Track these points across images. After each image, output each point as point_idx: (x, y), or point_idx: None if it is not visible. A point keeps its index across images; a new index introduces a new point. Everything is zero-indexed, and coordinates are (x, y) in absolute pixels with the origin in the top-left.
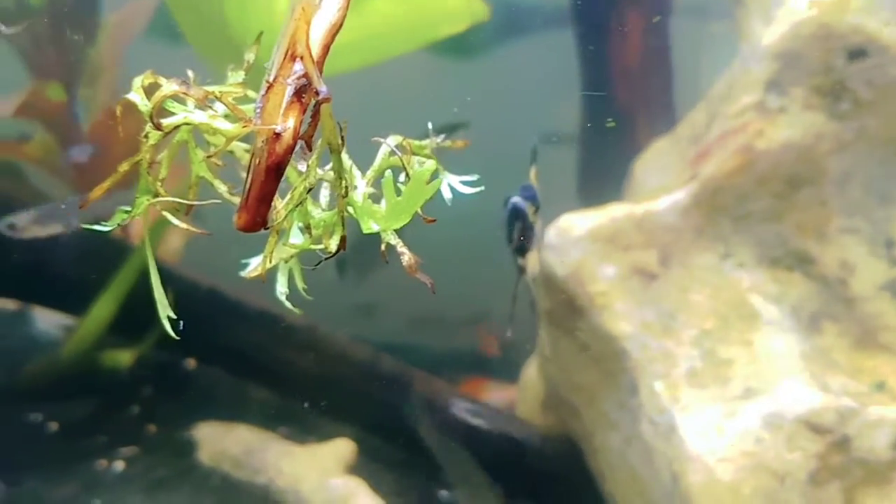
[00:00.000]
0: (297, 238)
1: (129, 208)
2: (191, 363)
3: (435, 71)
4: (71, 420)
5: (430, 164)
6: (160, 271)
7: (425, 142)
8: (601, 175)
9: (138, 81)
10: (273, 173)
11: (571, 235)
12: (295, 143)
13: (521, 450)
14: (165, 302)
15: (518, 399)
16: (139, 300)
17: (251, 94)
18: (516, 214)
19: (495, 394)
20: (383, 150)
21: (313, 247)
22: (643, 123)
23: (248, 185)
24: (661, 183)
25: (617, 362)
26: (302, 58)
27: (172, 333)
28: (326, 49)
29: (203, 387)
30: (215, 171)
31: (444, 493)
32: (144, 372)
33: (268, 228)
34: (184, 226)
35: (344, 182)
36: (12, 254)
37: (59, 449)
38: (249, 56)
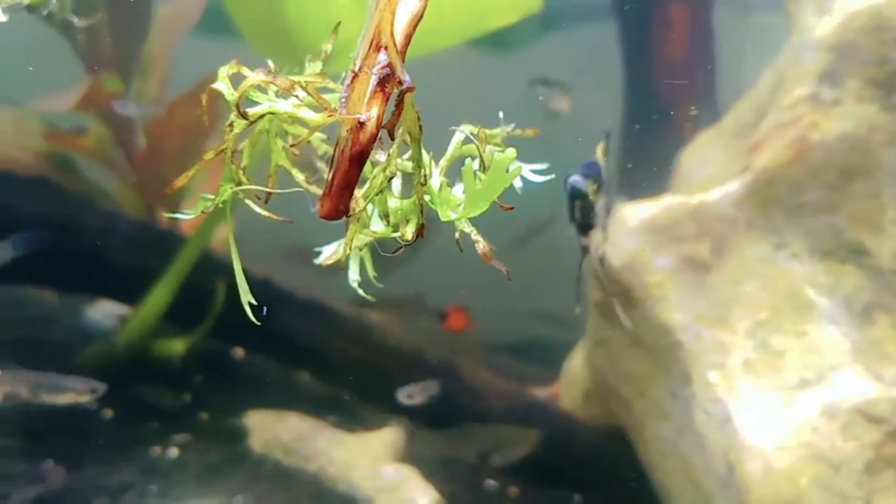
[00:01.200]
0: (377, 226)
1: (211, 196)
2: (239, 352)
3: (472, 64)
4: (125, 407)
5: (511, 152)
6: (215, 262)
7: (496, 130)
8: (643, 167)
9: (224, 71)
10: (356, 162)
11: (626, 226)
12: (378, 133)
13: None
14: (247, 288)
15: (561, 390)
16: (192, 290)
17: (331, 84)
18: (575, 194)
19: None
20: (456, 139)
21: (391, 234)
22: (686, 116)
23: (331, 174)
24: (708, 174)
25: (670, 353)
26: (386, 48)
27: (255, 320)
28: (408, 39)
29: (252, 376)
30: (293, 160)
31: (490, 482)
32: (195, 360)
33: (349, 216)
34: (266, 214)
35: (423, 170)
36: (70, 245)
37: (115, 435)
38: (327, 46)
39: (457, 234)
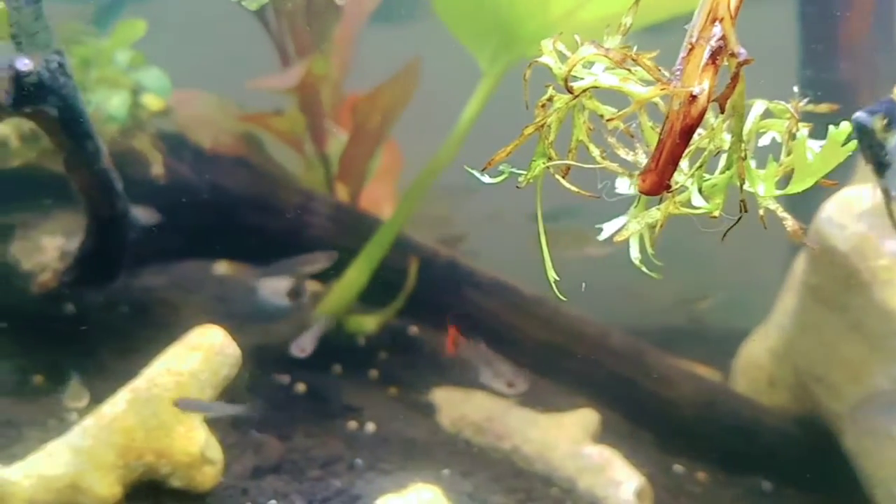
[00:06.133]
0: (698, 201)
1: (513, 169)
2: (413, 329)
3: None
4: (316, 382)
5: (846, 126)
6: (404, 242)
7: (789, 105)
8: None
9: (548, 44)
10: (685, 136)
11: (854, 209)
12: (708, 106)
13: None
14: (550, 264)
15: (736, 376)
16: (385, 270)
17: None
18: (861, 131)
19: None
20: (755, 113)
21: (710, 210)
22: (867, 99)
23: (657, 149)
24: None
25: None
26: (721, 20)
27: (561, 297)
28: (736, 12)
29: (431, 352)
30: (590, 136)
31: (678, 467)
32: (378, 337)
33: (670, 191)
34: (574, 189)
35: (743, 145)
36: (273, 223)
37: (311, 410)
38: (627, 20)
39: (761, 211)
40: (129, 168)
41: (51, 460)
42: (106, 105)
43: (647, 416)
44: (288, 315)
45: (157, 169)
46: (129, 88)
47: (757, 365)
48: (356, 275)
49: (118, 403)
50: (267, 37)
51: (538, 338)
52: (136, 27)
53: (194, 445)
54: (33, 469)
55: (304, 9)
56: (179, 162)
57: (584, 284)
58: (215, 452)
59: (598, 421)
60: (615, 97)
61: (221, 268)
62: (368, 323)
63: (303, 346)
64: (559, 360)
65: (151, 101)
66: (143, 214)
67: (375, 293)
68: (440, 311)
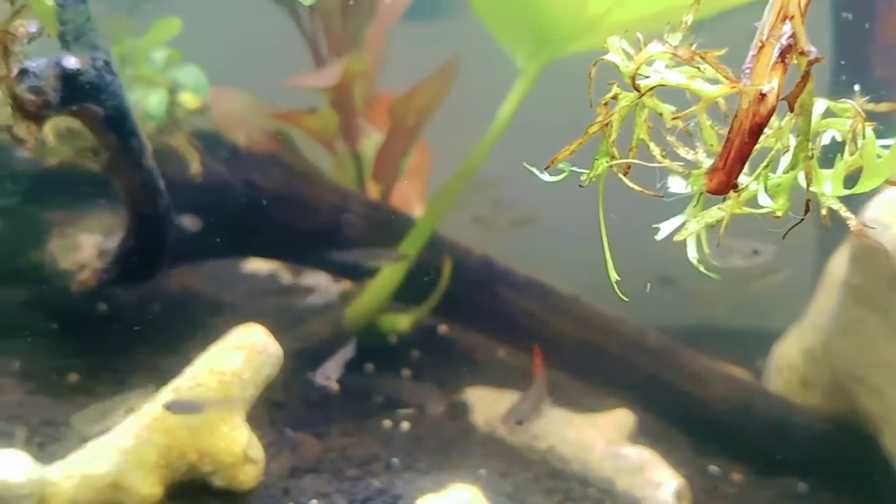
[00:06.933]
0: (765, 200)
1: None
2: (443, 328)
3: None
4: (350, 381)
5: None
6: (439, 241)
7: (849, 103)
8: None
9: (615, 42)
10: (754, 135)
11: None
12: (777, 105)
13: None
14: (612, 265)
15: (769, 376)
16: (418, 268)
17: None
18: None
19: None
20: (816, 112)
21: (773, 210)
22: None
23: (725, 147)
24: None
25: None
26: (792, 18)
27: (623, 297)
28: (806, 10)
29: (462, 351)
30: (650, 134)
31: (713, 468)
32: (410, 336)
33: (736, 190)
34: (636, 188)
35: (810, 143)
36: (308, 222)
37: (345, 408)
38: (688, 17)
39: (823, 211)
40: (166, 166)
41: (92, 459)
42: (143, 103)
43: (681, 417)
44: (333, 311)
45: (195, 167)
46: (167, 86)
47: (789, 364)
48: (390, 274)
49: (161, 402)
50: (294, 34)
51: (573, 337)
52: (171, 25)
53: (237, 445)
54: (74, 468)
55: (340, 7)
56: (215, 160)
57: (648, 285)
58: (257, 452)
59: (633, 421)
60: (670, 95)
61: (259, 266)
62: (402, 322)
63: (328, 374)
64: (594, 360)
65: (188, 99)
66: (185, 221)
67: (407, 292)
68: (473, 311)
